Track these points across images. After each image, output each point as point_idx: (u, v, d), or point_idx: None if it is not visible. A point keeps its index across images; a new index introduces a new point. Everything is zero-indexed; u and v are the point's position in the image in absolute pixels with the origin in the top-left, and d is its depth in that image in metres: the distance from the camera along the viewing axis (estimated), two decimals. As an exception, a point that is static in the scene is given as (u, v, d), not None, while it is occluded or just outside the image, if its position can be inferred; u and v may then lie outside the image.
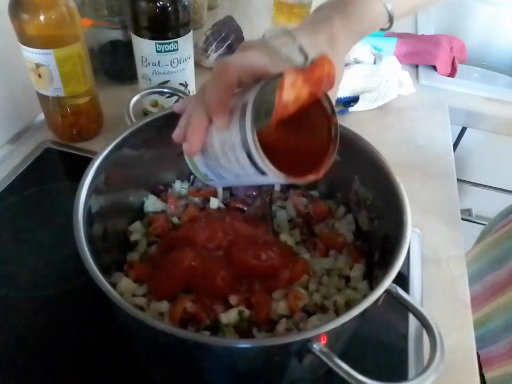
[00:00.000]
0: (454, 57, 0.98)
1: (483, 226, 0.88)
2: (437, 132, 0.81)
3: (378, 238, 0.48)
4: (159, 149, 0.53)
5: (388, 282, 0.37)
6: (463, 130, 0.95)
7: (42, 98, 0.67)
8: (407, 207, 0.42)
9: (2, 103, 0.69)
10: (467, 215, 0.98)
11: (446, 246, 0.61)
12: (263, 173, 0.32)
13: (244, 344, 0.33)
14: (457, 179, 0.74)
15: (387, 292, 0.38)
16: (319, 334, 0.34)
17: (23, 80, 0.66)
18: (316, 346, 0.33)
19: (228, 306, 0.45)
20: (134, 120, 0.52)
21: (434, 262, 0.59)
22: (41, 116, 0.73)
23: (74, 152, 0.71)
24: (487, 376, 0.67)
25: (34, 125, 0.75)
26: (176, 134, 0.38)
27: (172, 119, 0.52)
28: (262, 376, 0.39)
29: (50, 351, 0.47)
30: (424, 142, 0.78)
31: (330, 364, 0.32)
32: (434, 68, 0.96)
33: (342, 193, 0.55)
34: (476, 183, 1.05)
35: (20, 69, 0.64)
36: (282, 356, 0.35)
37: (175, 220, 0.54)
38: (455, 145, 0.97)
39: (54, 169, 0.70)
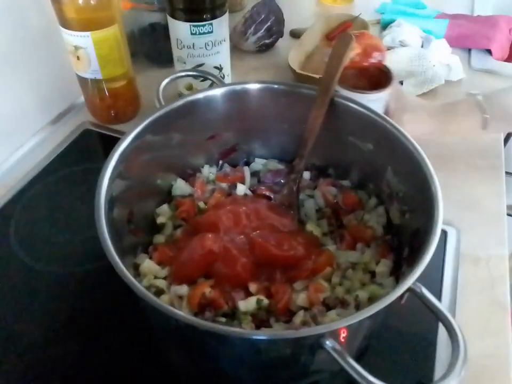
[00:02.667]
0: (512, 40, 0.91)
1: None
2: (487, 121, 0.75)
3: (409, 233, 0.45)
4: (188, 133, 0.53)
5: (411, 280, 0.35)
6: (518, 120, 0.88)
7: (82, 80, 0.69)
8: (439, 201, 0.40)
9: (46, 85, 0.71)
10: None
11: (487, 244, 0.57)
12: None
13: (253, 335, 0.33)
14: (507, 172, 0.69)
15: (411, 290, 0.36)
16: (333, 330, 0.32)
17: (65, 63, 0.68)
18: (328, 343, 0.32)
19: (247, 294, 0.44)
20: (163, 103, 0.52)
21: (472, 261, 0.55)
22: (82, 98, 0.75)
23: (111, 134, 0.72)
24: None
25: (76, 106, 0.77)
26: None
27: (200, 103, 0.52)
28: (275, 366, 0.38)
29: (74, 325, 0.49)
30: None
31: (341, 362, 0.31)
32: (489, 52, 0.89)
33: (374, 184, 0.53)
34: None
35: (62, 52, 0.66)
36: (294, 349, 0.35)
37: (201, 204, 0.54)
38: (508, 136, 0.90)
39: (92, 150, 0.72)
